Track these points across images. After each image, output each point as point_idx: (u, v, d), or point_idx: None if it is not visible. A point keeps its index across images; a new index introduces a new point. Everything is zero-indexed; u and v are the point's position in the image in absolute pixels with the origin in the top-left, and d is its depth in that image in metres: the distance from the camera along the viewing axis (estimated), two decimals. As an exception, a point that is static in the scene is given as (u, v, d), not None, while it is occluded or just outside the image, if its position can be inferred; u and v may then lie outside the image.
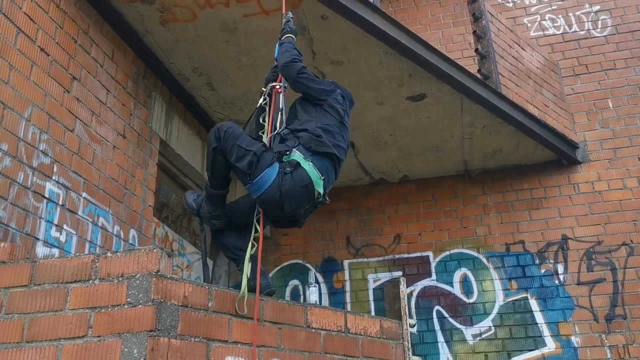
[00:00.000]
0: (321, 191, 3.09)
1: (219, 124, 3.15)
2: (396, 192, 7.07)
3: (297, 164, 3.02)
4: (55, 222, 3.50)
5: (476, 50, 6.05)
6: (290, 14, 3.64)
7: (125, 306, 2.41)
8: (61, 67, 3.78)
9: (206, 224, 3.28)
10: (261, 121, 3.38)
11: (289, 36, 3.48)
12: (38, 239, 3.32)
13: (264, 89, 3.47)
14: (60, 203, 3.57)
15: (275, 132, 3.23)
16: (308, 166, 3.03)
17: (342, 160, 3.28)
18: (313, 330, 3.08)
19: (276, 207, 3.02)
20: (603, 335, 5.81)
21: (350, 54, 4.95)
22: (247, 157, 2.98)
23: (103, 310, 2.42)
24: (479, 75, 5.75)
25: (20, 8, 3.48)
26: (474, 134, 6.11)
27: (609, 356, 5.72)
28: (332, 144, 3.15)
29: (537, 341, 5.99)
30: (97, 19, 4.26)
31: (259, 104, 3.44)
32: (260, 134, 3.34)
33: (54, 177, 3.54)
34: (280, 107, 3.34)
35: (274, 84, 3.45)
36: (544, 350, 5.93)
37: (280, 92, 3.41)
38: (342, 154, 3.27)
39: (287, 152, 3.06)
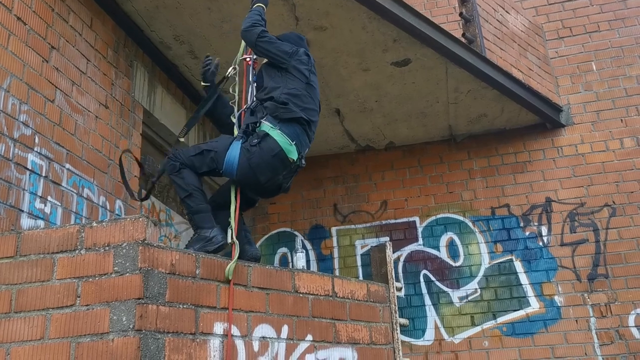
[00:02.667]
0: (295, 157, 3.16)
1: (168, 156, 3.22)
2: (382, 159, 7.09)
3: (265, 134, 3.09)
4: (39, 193, 3.48)
5: (460, 14, 6.01)
6: None
7: (113, 275, 2.42)
8: (39, 36, 3.71)
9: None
10: (231, 91, 3.44)
11: (259, 5, 3.50)
12: (22, 211, 3.30)
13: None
14: (43, 174, 3.54)
15: (245, 106, 3.29)
16: (277, 134, 3.10)
17: (313, 122, 3.32)
18: (301, 295, 3.12)
19: (253, 180, 3.12)
20: (585, 294, 5.95)
21: (333, 20, 4.89)
22: (206, 156, 3.14)
23: (90, 280, 2.43)
24: (463, 40, 5.72)
25: (-7, -24, 3.39)
26: (458, 99, 6.12)
27: (591, 314, 5.87)
28: (299, 109, 3.19)
29: (522, 301, 6.12)
30: (74, -14, 4.16)
31: (227, 74, 3.48)
32: (231, 104, 3.41)
33: (35, 149, 3.51)
34: (250, 80, 3.36)
35: (244, 56, 3.47)
36: (528, 310, 6.06)
37: (250, 64, 3.43)
38: (314, 115, 3.31)
39: (257, 124, 3.14)
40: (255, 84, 3.39)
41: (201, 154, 3.18)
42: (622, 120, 6.37)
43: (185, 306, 2.55)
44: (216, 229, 3.12)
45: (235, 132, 3.25)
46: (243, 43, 3.51)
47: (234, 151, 3.09)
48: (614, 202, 6.13)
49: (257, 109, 3.21)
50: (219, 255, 2.92)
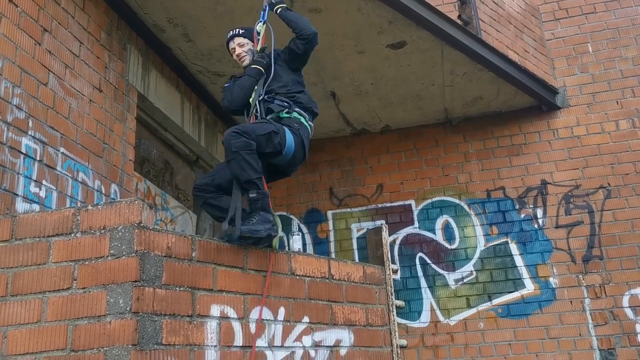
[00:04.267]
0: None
1: (231, 131, 3.11)
2: (378, 142, 7.08)
3: (300, 122, 3.41)
4: (34, 177, 3.46)
5: (456, -5, 5.97)
6: None
7: (109, 258, 2.42)
8: (31, 18, 3.66)
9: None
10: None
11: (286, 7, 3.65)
12: (17, 195, 3.29)
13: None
14: (37, 158, 3.52)
15: (261, 97, 3.44)
16: (306, 123, 3.47)
17: None
18: (297, 277, 3.13)
19: (294, 161, 3.38)
20: (580, 276, 5.99)
21: (329, 1, 4.85)
22: (274, 138, 3.21)
23: (87, 263, 2.43)
24: (459, 22, 5.69)
25: (-17, -43, 3.34)
26: (454, 81, 6.10)
27: (585, 295, 5.92)
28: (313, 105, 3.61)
29: (517, 283, 6.16)
30: (65, -32, 4.11)
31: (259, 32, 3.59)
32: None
33: (29, 132, 3.48)
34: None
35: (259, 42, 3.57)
36: (524, 291, 6.11)
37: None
38: None
39: (285, 111, 3.39)
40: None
41: (269, 135, 3.20)
42: (617, 102, 6.37)
43: (181, 289, 2.56)
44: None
45: (253, 117, 3.38)
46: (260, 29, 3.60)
47: (290, 136, 3.29)
48: (609, 184, 6.15)
49: (276, 98, 3.42)
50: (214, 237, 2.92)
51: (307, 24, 3.54)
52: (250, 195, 3.08)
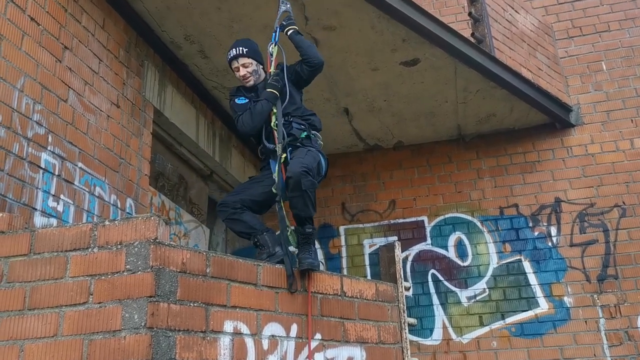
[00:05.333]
0: None
1: (302, 170, 3.23)
2: (391, 158, 7.10)
3: (318, 141, 3.63)
4: (52, 192, 3.52)
5: (469, 14, 6.00)
6: (288, 4, 3.77)
7: (125, 273, 2.45)
8: (52, 36, 3.75)
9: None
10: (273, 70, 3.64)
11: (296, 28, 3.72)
12: (36, 209, 3.34)
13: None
14: (56, 173, 3.58)
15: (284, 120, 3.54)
16: (321, 142, 3.68)
17: None
18: (311, 294, 3.14)
19: (320, 179, 3.55)
20: (595, 295, 5.93)
21: (343, 19, 4.91)
22: (320, 167, 3.49)
23: (103, 278, 2.46)
24: (472, 39, 5.72)
25: (7, -23, 3.43)
26: (467, 98, 6.12)
27: (600, 315, 5.85)
28: None
29: (531, 302, 6.11)
30: (86, -14, 4.20)
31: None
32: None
33: (49, 148, 3.55)
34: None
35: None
36: (537, 310, 6.05)
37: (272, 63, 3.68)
38: None
39: (305, 133, 3.53)
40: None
41: (318, 164, 3.45)
42: (632, 120, 6.34)
43: (196, 304, 2.58)
44: None
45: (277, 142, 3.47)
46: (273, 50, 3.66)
47: (321, 156, 3.54)
48: (624, 202, 6.11)
49: (293, 121, 3.54)
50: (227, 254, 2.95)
51: (315, 52, 3.64)
52: (307, 230, 3.33)
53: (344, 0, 4.66)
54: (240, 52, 3.62)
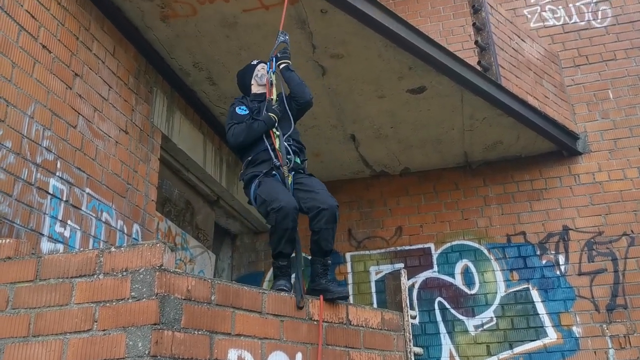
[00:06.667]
0: None
1: (335, 203, 3.47)
2: (397, 184, 7.10)
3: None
4: (60, 217, 3.54)
5: (476, 42, 6.06)
6: (287, 35, 3.88)
7: (130, 300, 2.45)
8: (63, 64, 3.81)
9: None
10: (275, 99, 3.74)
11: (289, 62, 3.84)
12: (43, 235, 3.36)
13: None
14: (64, 199, 3.60)
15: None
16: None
17: None
18: (315, 323, 3.12)
19: None
20: (604, 325, 5.85)
21: (350, 48, 4.96)
22: None
23: (108, 305, 2.46)
24: (479, 68, 5.76)
25: (21, 6, 3.50)
26: (474, 126, 6.13)
27: (610, 346, 5.76)
28: None
29: (539, 331, 6.03)
30: (98, 15, 4.28)
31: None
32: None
33: (57, 173, 3.58)
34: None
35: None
36: (546, 340, 5.97)
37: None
38: None
39: (300, 157, 3.67)
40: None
41: None
42: (639, 148, 6.33)
43: (200, 332, 2.57)
44: None
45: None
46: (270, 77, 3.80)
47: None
48: (632, 231, 6.06)
49: (293, 145, 3.64)
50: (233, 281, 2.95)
51: (304, 90, 3.73)
52: (328, 261, 3.48)
53: (351, 29, 4.72)
54: (261, 61, 4.02)
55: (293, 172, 3.53)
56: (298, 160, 3.62)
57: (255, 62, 4.03)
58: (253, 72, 3.96)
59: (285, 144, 3.57)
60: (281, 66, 3.75)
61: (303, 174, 3.61)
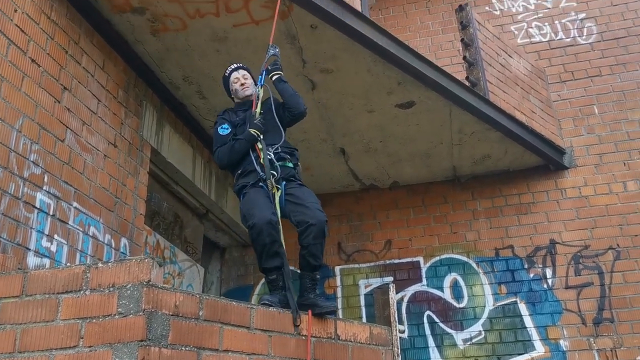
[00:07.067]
0: None
1: (324, 218, 3.42)
2: (387, 198, 7.12)
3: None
4: (46, 232, 3.52)
5: (464, 57, 6.13)
6: (277, 48, 3.83)
7: (116, 316, 2.43)
8: (52, 77, 3.81)
9: None
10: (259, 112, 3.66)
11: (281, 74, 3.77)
12: (29, 249, 3.34)
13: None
14: (51, 213, 3.59)
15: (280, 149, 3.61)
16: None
17: None
18: (303, 338, 3.12)
19: None
20: (591, 339, 5.88)
21: (339, 63, 5.00)
22: None
23: (94, 321, 2.44)
24: (467, 83, 5.82)
25: (11, 20, 3.51)
26: (462, 140, 6.18)
27: (597, 359, 5.79)
28: None
29: (527, 345, 6.05)
30: (87, 29, 4.29)
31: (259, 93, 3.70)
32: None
33: (44, 187, 3.56)
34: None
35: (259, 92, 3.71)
36: (533, 354, 5.99)
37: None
38: None
39: (292, 162, 3.58)
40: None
41: None
42: (624, 163, 6.41)
43: (187, 348, 2.55)
44: None
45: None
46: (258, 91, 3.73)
47: None
48: (618, 245, 6.12)
49: (283, 151, 3.56)
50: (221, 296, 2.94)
51: (298, 101, 3.67)
52: (317, 276, 3.47)
53: (340, 44, 4.76)
54: (242, 66, 3.90)
55: (284, 182, 3.48)
56: (290, 165, 3.55)
57: (227, 72, 3.88)
58: (229, 85, 3.87)
59: (271, 155, 3.49)
60: (274, 78, 3.71)
61: (295, 182, 3.53)
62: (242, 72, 3.83)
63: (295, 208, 3.42)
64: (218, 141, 3.64)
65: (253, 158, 3.50)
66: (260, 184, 3.45)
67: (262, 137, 3.53)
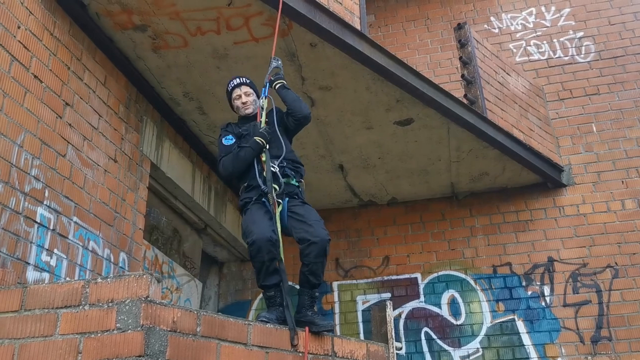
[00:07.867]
0: None
1: (327, 237, 3.40)
2: (385, 214, 7.14)
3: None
4: (46, 246, 3.54)
5: (462, 76, 6.18)
6: (279, 60, 3.84)
7: (115, 331, 2.45)
8: (54, 93, 3.85)
9: None
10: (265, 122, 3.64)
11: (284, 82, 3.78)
12: (29, 264, 3.35)
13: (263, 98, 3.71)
14: (51, 227, 3.61)
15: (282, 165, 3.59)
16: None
17: None
18: (300, 354, 3.12)
19: None
20: (589, 357, 5.87)
21: (338, 80, 5.05)
22: None
23: (92, 336, 2.45)
24: (465, 101, 5.87)
25: (14, 36, 3.55)
26: (460, 157, 6.22)
27: (595, 378, 5.78)
28: None
29: (525, 363, 6.04)
30: (90, 45, 4.34)
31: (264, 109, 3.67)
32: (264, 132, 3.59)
33: (45, 202, 3.59)
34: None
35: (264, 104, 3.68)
36: (531, 372, 5.98)
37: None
38: None
39: (295, 179, 3.56)
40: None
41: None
42: (622, 181, 6.44)
43: (184, 365, 2.56)
44: None
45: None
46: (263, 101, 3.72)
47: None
48: (616, 263, 6.13)
49: (287, 166, 3.54)
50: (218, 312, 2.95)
51: (301, 106, 3.66)
52: (316, 293, 3.48)
53: (340, 62, 4.82)
54: (244, 81, 3.81)
55: (287, 198, 3.45)
56: (294, 183, 3.53)
57: (230, 87, 3.85)
58: (231, 101, 3.85)
59: (275, 168, 3.47)
60: (277, 86, 3.71)
61: (298, 199, 3.51)
62: (244, 88, 3.77)
63: (298, 225, 3.41)
64: (222, 151, 3.62)
65: (257, 171, 3.46)
66: (263, 199, 3.43)
67: (267, 146, 3.50)
